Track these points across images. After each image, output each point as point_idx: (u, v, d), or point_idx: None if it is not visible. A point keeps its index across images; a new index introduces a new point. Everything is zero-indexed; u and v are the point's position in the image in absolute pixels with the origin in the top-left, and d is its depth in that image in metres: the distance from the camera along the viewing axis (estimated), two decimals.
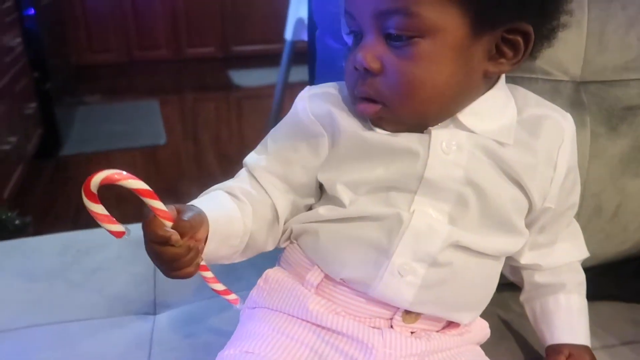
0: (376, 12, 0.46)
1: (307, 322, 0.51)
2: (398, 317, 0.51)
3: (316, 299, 0.51)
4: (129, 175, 0.41)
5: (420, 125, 0.50)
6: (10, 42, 1.96)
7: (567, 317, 0.58)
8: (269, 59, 3.20)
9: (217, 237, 0.46)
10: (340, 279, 0.50)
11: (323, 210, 0.51)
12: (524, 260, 0.58)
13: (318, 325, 0.50)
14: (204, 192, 0.52)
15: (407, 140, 0.49)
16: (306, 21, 1.38)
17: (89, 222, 0.47)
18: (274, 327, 0.51)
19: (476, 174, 0.49)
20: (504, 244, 0.52)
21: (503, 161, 0.50)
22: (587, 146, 0.63)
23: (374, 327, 0.50)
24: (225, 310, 0.69)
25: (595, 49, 0.62)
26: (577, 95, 0.63)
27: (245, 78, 3.50)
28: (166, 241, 0.41)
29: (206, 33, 3.58)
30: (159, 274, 0.77)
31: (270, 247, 0.54)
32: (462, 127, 0.50)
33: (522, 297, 0.62)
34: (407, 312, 0.51)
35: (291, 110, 0.55)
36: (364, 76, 0.48)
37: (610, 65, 0.63)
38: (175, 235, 0.41)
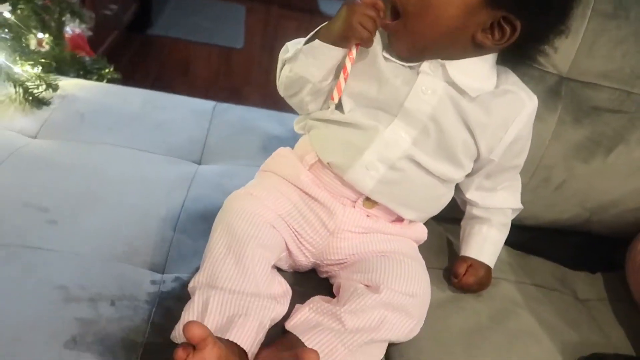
0: None
1: (297, 187, 0.71)
2: (360, 202, 0.71)
3: (307, 173, 0.71)
4: None
5: (417, 55, 0.66)
6: None
7: (481, 241, 0.77)
8: None
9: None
10: (327, 162, 0.70)
11: (328, 114, 0.71)
12: (469, 195, 0.77)
13: (303, 191, 0.71)
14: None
15: (402, 75, 0.67)
16: None
17: None
18: (273, 185, 0.71)
19: (440, 114, 0.66)
20: (447, 170, 0.70)
21: (464, 112, 0.67)
22: (552, 127, 0.79)
23: (341, 204, 0.71)
24: (250, 174, 0.91)
25: (585, 54, 0.77)
26: (558, 87, 0.79)
27: (332, 7, 3.59)
28: (376, 4, 0.61)
29: None
30: (210, 137, 1.01)
31: None
32: (446, 76, 0.66)
33: (461, 223, 0.81)
34: (367, 199, 0.70)
35: None
36: None
37: (593, 71, 0.78)
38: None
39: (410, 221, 0.74)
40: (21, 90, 0.95)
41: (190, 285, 0.61)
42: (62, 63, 1.16)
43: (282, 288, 0.64)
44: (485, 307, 0.76)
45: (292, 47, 0.67)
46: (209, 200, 0.84)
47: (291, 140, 1.09)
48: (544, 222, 0.87)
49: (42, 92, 0.98)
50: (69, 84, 1.05)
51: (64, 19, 1.24)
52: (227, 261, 0.60)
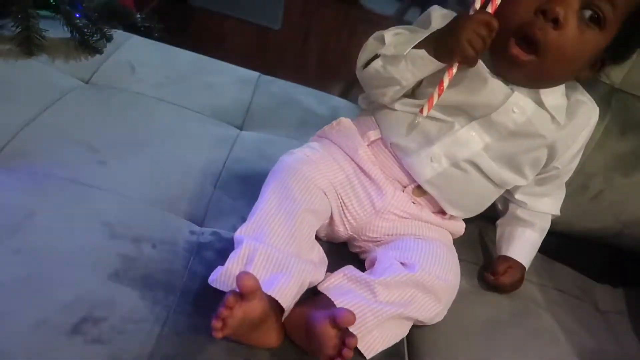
0: None
1: (352, 160, 0.71)
2: (410, 188, 0.72)
3: (366, 149, 0.72)
4: None
5: (522, 81, 0.65)
6: None
7: (523, 244, 0.78)
8: None
9: None
10: (390, 143, 0.70)
11: (403, 105, 0.69)
12: (518, 196, 0.78)
13: (358, 165, 0.71)
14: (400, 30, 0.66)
15: (498, 88, 0.66)
16: None
17: None
18: (329, 152, 0.72)
19: (523, 132, 0.67)
20: (507, 177, 0.71)
21: (548, 133, 0.68)
22: (597, 135, 0.80)
23: (392, 186, 0.71)
24: (289, 144, 0.93)
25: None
26: (609, 97, 0.79)
27: (371, 1, 3.60)
28: (490, 23, 0.58)
29: None
30: (254, 105, 1.03)
31: None
32: (537, 98, 0.66)
33: (499, 222, 0.82)
34: (418, 188, 0.71)
35: (424, 19, 0.70)
36: (543, 22, 0.59)
37: None
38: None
39: (452, 216, 0.75)
40: (78, 36, 0.97)
41: (237, 233, 0.62)
42: (115, 15, 1.18)
43: (320, 256, 0.66)
44: (508, 304, 0.77)
45: (390, 39, 0.65)
46: (249, 163, 0.85)
47: (330, 118, 1.09)
48: (575, 230, 0.88)
49: (97, 40, 1.00)
50: (121, 36, 1.07)
51: None
52: (277, 218, 0.62)
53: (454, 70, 0.62)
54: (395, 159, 0.71)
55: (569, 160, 0.73)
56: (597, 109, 0.72)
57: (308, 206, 0.64)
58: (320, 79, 2.57)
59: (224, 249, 0.68)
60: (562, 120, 0.68)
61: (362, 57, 0.69)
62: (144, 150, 0.80)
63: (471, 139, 0.68)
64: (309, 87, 1.22)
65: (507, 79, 0.66)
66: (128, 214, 0.67)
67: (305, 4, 3.47)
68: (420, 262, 0.66)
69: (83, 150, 0.75)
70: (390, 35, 0.66)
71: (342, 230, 0.72)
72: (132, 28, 1.30)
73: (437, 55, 0.61)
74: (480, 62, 0.64)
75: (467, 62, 0.61)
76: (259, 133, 0.97)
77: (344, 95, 2.02)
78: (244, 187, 0.80)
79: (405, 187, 0.72)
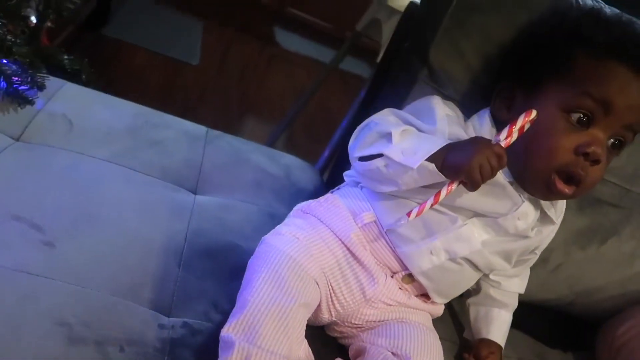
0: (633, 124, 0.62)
1: (342, 243, 0.67)
2: (399, 275, 0.69)
3: (358, 232, 0.67)
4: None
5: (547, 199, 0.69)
6: None
7: (501, 326, 0.79)
8: (316, 34, 3.36)
9: None
10: (387, 230, 0.67)
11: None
12: (492, 277, 0.78)
13: (348, 249, 0.67)
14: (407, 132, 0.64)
15: (512, 197, 0.66)
16: (382, 23, 1.56)
17: None
18: (318, 232, 0.67)
19: (521, 235, 0.69)
20: (496, 264, 0.71)
21: (545, 233, 0.72)
22: None
23: (383, 272, 0.68)
24: (248, 210, 0.87)
25: None
26: None
27: (286, 40, 3.62)
28: (503, 158, 0.58)
29: None
30: (205, 164, 0.96)
31: None
32: (539, 207, 0.69)
33: (471, 301, 0.81)
34: (408, 276, 0.69)
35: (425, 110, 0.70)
36: (584, 162, 0.62)
37: None
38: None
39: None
40: (5, 85, 0.85)
41: (225, 331, 0.55)
42: (41, 57, 1.06)
43: (307, 351, 0.60)
44: None
45: (397, 139, 0.62)
46: (211, 235, 0.79)
47: (284, 178, 1.06)
48: (533, 301, 0.90)
49: (27, 89, 0.88)
50: (53, 84, 0.96)
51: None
52: (270, 315, 0.56)
53: (454, 186, 0.60)
54: (388, 245, 0.68)
55: (545, 246, 0.76)
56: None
57: (302, 300, 0.59)
58: (243, 113, 2.52)
59: (198, 345, 0.62)
60: (556, 219, 0.71)
61: (361, 146, 0.65)
62: (95, 225, 0.70)
63: (472, 235, 0.67)
64: (226, 130, 1.15)
65: (533, 196, 0.68)
66: (87, 309, 0.58)
67: (223, 39, 3.42)
68: (413, 353, 0.63)
69: (24, 228, 0.65)
70: (398, 135, 0.62)
71: (327, 317, 0.67)
72: (59, 70, 1.18)
73: (443, 171, 0.59)
74: (499, 172, 0.62)
75: (470, 187, 0.59)
76: (215, 197, 0.90)
77: (270, 141, 1.98)
78: (210, 264, 0.73)
79: (394, 273, 0.69)
